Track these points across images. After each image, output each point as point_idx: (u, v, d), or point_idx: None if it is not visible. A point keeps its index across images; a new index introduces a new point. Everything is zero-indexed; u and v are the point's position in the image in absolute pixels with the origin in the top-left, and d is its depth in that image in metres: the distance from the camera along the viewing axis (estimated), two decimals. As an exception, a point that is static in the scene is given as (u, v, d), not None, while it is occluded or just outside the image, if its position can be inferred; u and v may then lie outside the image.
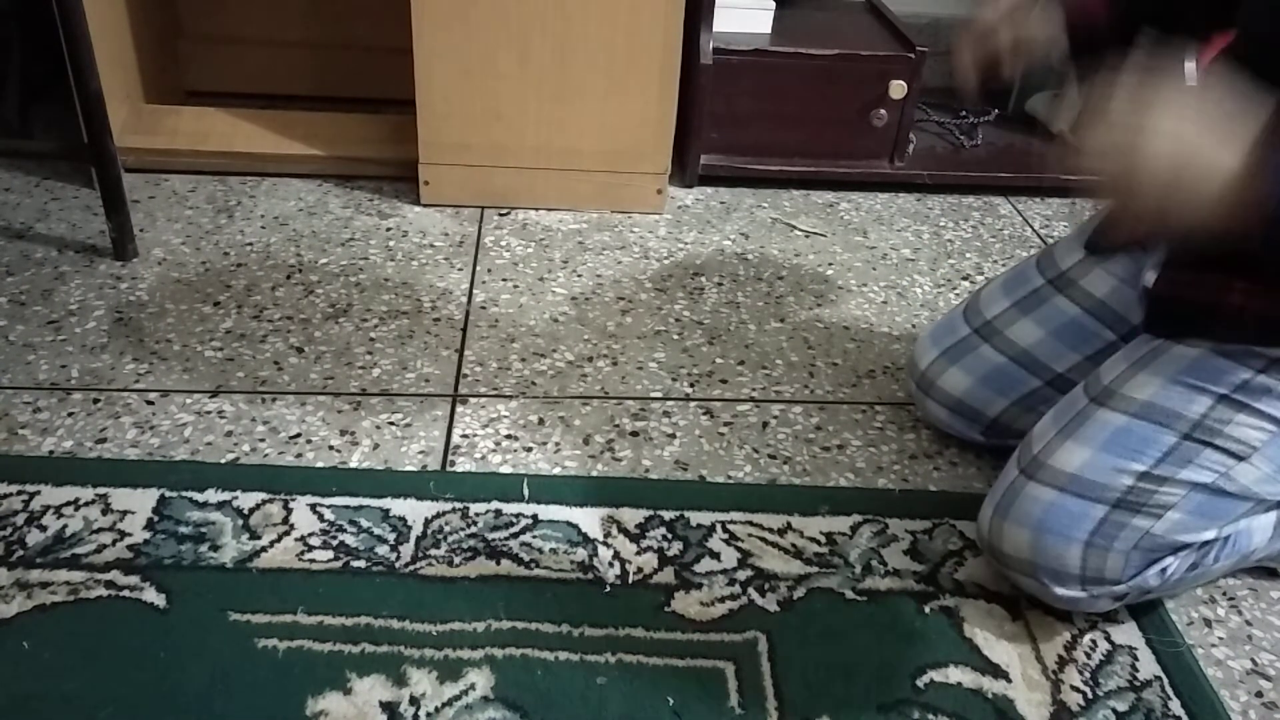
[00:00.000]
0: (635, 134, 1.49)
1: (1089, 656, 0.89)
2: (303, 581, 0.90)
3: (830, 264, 1.48)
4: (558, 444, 1.09)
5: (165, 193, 1.52)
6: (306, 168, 1.58)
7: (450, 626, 0.86)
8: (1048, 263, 1.06)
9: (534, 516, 0.98)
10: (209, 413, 1.09)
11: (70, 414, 1.08)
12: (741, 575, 0.94)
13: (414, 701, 0.80)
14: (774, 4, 1.63)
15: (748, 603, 0.91)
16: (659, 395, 1.18)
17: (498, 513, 0.99)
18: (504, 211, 1.54)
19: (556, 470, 1.05)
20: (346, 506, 0.98)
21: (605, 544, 0.96)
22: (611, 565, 0.94)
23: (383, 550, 0.93)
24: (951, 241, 1.57)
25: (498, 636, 0.86)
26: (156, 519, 0.95)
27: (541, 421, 1.12)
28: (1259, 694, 0.88)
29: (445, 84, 1.43)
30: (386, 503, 0.99)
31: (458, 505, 0.99)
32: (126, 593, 0.87)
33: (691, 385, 1.20)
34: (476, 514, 0.98)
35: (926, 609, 0.92)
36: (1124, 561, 0.85)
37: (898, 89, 1.59)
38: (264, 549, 0.92)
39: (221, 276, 1.33)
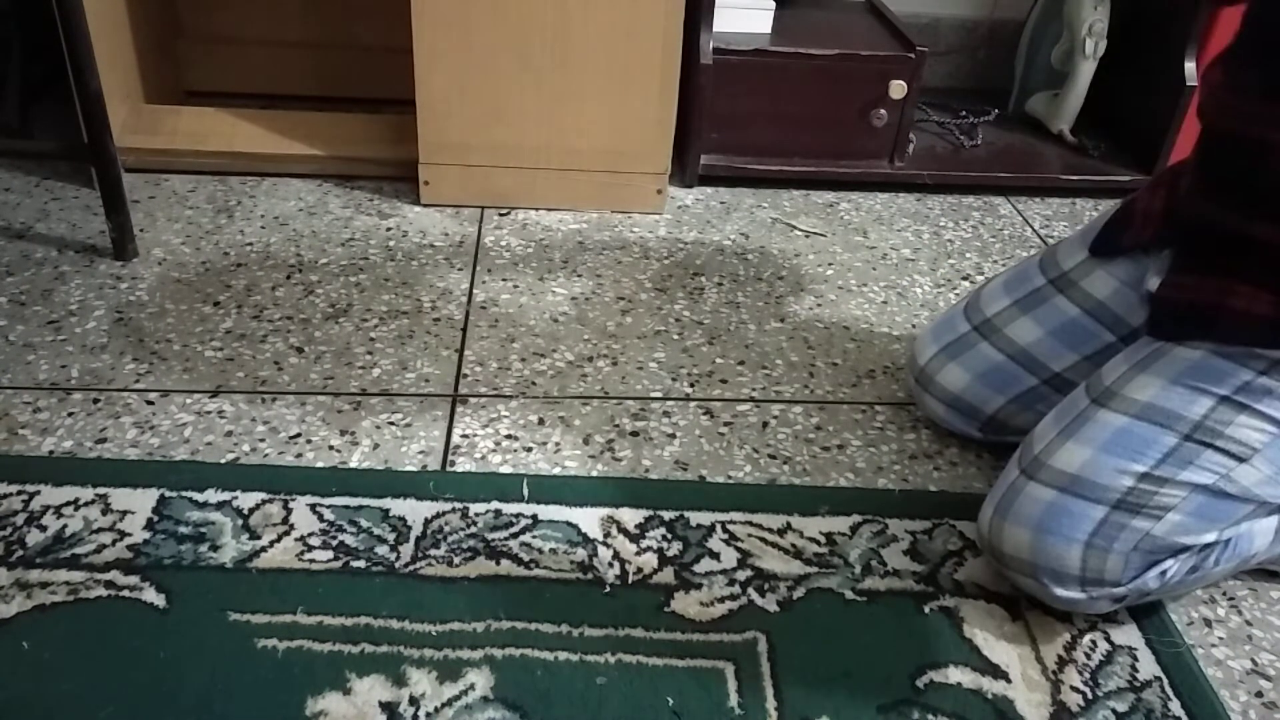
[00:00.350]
0: (635, 134, 1.49)
1: (1089, 657, 0.89)
2: (302, 581, 0.90)
3: (830, 264, 1.48)
4: (558, 444, 1.09)
5: (165, 193, 1.52)
6: (306, 168, 1.58)
7: (450, 626, 0.86)
8: (1050, 263, 1.06)
9: (534, 517, 0.98)
10: (209, 413, 1.09)
11: (70, 414, 1.08)
12: (741, 575, 0.94)
13: (414, 701, 0.80)
14: (774, 4, 1.63)
15: (747, 603, 0.91)
16: (659, 395, 1.18)
17: (497, 513, 0.99)
18: (504, 211, 1.54)
19: (556, 470, 1.05)
20: (346, 506, 0.98)
21: (605, 544, 0.96)
22: (611, 565, 0.94)
23: (382, 550, 0.93)
24: (951, 241, 1.57)
25: (497, 636, 0.86)
26: (156, 519, 0.95)
27: (541, 421, 1.12)
28: (1259, 694, 0.88)
29: (445, 84, 1.43)
30: (386, 503, 0.99)
31: (457, 505, 0.99)
32: (126, 593, 0.87)
33: (691, 385, 1.20)
34: (476, 514, 0.98)
35: (926, 609, 0.92)
36: (1124, 563, 0.85)
37: (898, 89, 1.59)
38: (264, 549, 0.92)
39: (221, 276, 1.33)
